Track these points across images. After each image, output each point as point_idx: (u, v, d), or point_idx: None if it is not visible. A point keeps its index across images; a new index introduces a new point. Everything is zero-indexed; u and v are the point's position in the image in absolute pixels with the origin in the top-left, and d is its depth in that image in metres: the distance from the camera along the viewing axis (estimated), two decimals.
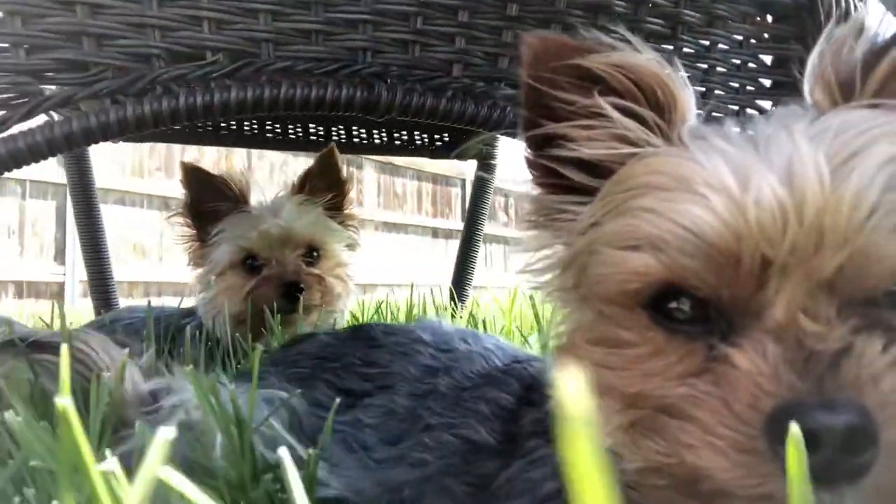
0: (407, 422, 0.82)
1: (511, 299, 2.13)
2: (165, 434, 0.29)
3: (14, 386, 0.81)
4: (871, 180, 0.50)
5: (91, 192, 2.26)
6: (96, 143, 1.03)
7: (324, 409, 0.85)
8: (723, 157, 0.54)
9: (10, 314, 2.23)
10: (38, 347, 0.95)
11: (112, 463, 0.42)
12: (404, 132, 2.46)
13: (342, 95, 1.10)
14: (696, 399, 0.50)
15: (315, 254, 1.80)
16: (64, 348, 0.48)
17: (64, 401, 0.37)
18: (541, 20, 1.20)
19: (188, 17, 1.04)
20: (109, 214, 5.60)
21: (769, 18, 1.39)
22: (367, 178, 8.04)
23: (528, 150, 0.66)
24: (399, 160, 8.00)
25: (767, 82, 1.40)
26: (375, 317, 2.10)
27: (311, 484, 0.73)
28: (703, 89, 1.34)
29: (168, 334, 1.61)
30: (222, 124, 2.29)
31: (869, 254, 0.50)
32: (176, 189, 1.86)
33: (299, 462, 0.76)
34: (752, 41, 1.37)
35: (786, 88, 1.37)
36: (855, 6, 1.30)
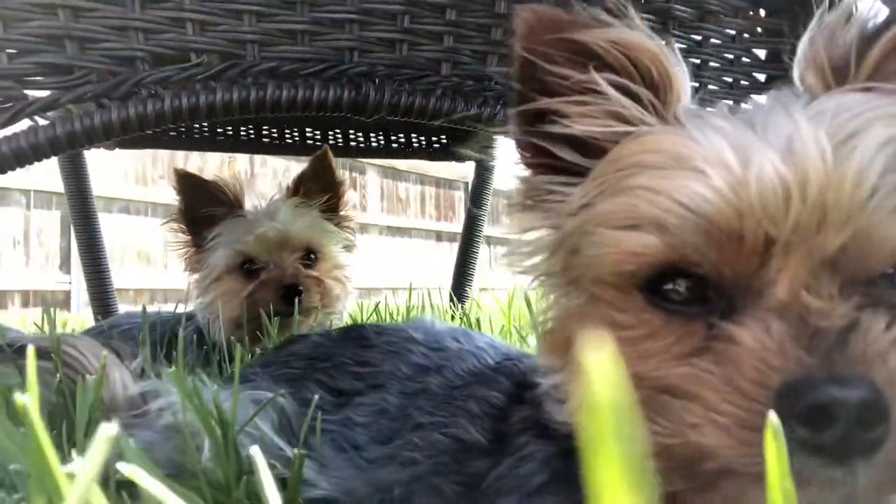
0: (398, 421, 0.82)
1: (509, 299, 2.12)
2: (108, 431, 0.28)
3: None
4: (872, 161, 0.50)
5: (89, 199, 2.26)
6: (82, 147, 1.03)
7: (314, 409, 0.84)
8: (722, 134, 0.53)
9: (14, 323, 2.24)
10: (25, 352, 0.95)
11: (78, 464, 0.41)
12: (401, 135, 2.45)
13: (329, 96, 1.09)
14: (697, 378, 0.50)
15: (312, 256, 1.80)
16: (30, 349, 0.47)
17: (25, 399, 0.36)
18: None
19: (172, 20, 1.04)
20: (114, 223, 5.67)
21: (762, 13, 1.38)
22: (370, 183, 8.05)
23: (517, 128, 0.65)
24: (401, 164, 8.01)
25: (761, 77, 1.39)
26: (374, 318, 2.10)
27: (296, 484, 0.73)
28: (696, 85, 1.33)
29: (165, 339, 1.60)
30: (218, 130, 2.29)
31: (871, 233, 0.49)
32: None
33: (287, 462, 0.76)
34: (745, 36, 1.36)
35: (780, 82, 1.36)
36: None
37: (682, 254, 0.52)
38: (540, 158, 0.64)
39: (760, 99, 0.66)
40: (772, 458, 0.30)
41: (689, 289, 0.53)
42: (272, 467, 0.74)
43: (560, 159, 0.63)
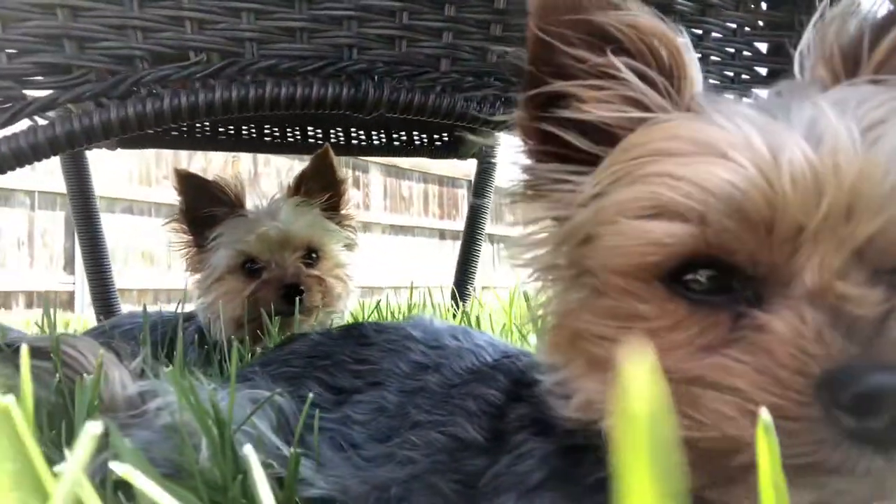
0: (396, 419, 0.81)
1: (511, 297, 2.11)
2: (93, 430, 0.28)
3: None
4: None
5: (91, 200, 2.26)
6: (81, 146, 1.03)
7: (312, 407, 0.84)
8: (747, 120, 0.52)
9: (18, 324, 2.24)
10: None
11: (67, 465, 0.41)
12: (403, 133, 2.45)
13: (328, 93, 1.09)
14: (729, 368, 0.49)
15: (314, 255, 1.80)
16: (24, 348, 0.47)
17: (7, 400, 0.36)
18: (521, 11, 1.18)
19: (170, 18, 1.03)
20: (118, 223, 5.68)
21: (763, 6, 1.37)
22: (373, 182, 8.05)
23: (526, 113, 0.63)
24: (405, 162, 8.01)
25: (763, 71, 1.38)
26: (375, 317, 2.10)
27: (293, 483, 0.72)
28: None
29: (166, 339, 1.60)
30: (220, 129, 2.29)
31: None
32: None
33: (285, 461, 0.76)
34: (747, 29, 1.35)
35: (782, 76, 1.35)
36: None
37: (710, 242, 0.50)
38: (546, 146, 0.62)
39: (763, 92, 0.65)
40: (763, 453, 0.29)
41: (713, 278, 0.52)
42: (269, 466, 0.74)
43: (568, 147, 0.61)
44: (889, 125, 0.50)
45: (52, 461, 0.42)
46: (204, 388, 0.78)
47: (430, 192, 8.82)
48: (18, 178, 5.12)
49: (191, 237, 1.81)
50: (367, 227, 7.39)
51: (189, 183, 1.77)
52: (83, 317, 4.04)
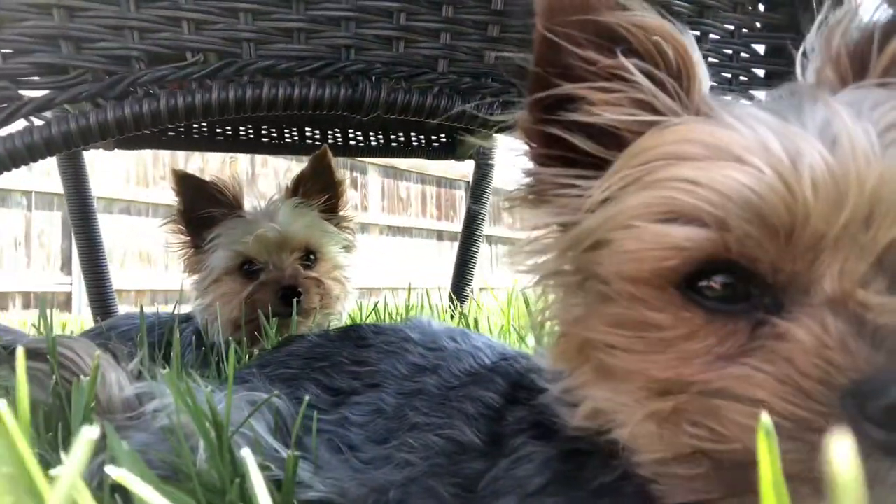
0: (394, 421, 0.81)
1: (508, 298, 2.11)
2: (89, 434, 0.27)
3: None
4: None
5: (88, 200, 2.25)
6: (78, 147, 1.03)
7: (311, 408, 0.83)
8: (761, 123, 0.51)
9: (15, 325, 2.23)
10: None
11: (63, 469, 0.41)
12: (401, 134, 2.45)
13: (326, 94, 1.08)
14: (750, 378, 0.47)
15: (312, 257, 1.79)
16: (20, 350, 0.46)
17: (0, 404, 0.35)
18: (527, 14, 1.18)
19: (167, 19, 1.03)
20: (115, 224, 5.67)
21: (761, 7, 1.37)
22: (370, 183, 8.05)
23: (531, 115, 0.61)
24: (402, 163, 8.01)
25: (761, 72, 1.38)
26: (373, 318, 2.09)
27: (290, 486, 0.72)
28: None
29: (163, 340, 1.60)
30: (218, 130, 2.29)
31: None
32: None
33: (282, 464, 0.75)
34: (745, 31, 1.35)
35: (779, 78, 1.36)
36: None
37: (729, 248, 0.49)
38: (551, 149, 0.60)
39: (761, 94, 0.65)
40: (764, 458, 0.29)
41: (730, 285, 0.51)
42: (267, 469, 0.74)
43: (573, 150, 0.59)
44: None
45: (48, 464, 0.42)
46: (201, 390, 0.77)
47: (428, 193, 8.82)
48: (15, 178, 5.12)
49: (188, 238, 1.81)
50: (364, 228, 7.39)
51: (187, 184, 1.77)
52: (80, 317, 4.04)
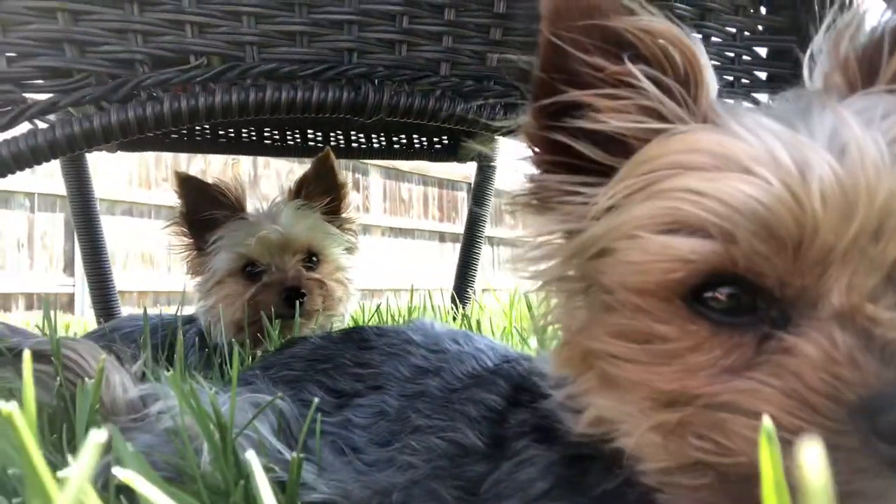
0: (397, 423, 0.81)
1: (511, 300, 2.12)
2: (98, 438, 0.28)
3: None
4: None
5: (91, 202, 2.26)
6: (81, 150, 1.03)
7: (314, 410, 0.84)
8: (769, 133, 0.50)
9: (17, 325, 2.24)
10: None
11: (71, 469, 0.41)
12: (403, 136, 2.45)
13: (328, 97, 1.09)
14: (757, 392, 0.47)
15: (314, 259, 1.80)
16: (26, 353, 0.47)
17: (10, 406, 0.36)
18: (530, 17, 1.18)
19: (171, 22, 1.04)
20: (117, 225, 5.68)
21: (763, 10, 1.37)
22: (372, 184, 8.05)
23: (535, 122, 0.60)
24: (404, 165, 8.01)
25: (763, 75, 1.38)
26: (375, 320, 2.10)
27: (294, 488, 0.72)
28: None
29: (166, 342, 1.60)
30: (220, 132, 2.29)
31: None
32: None
33: (286, 466, 0.76)
34: (747, 33, 1.36)
35: (782, 80, 1.36)
36: None
37: (736, 261, 0.48)
38: (555, 156, 0.60)
39: (765, 97, 0.64)
40: (766, 464, 0.29)
41: (736, 297, 0.50)
42: (270, 471, 0.74)
43: (579, 157, 0.58)
44: None
45: (53, 465, 0.42)
46: (205, 391, 0.78)
47: (430, 194, 8.83)
48: (18, 180, 5.12)
49: (191, 240, 1.81)
50: (366, 229, 7.39)
51: (189, 186, 1.78)
52: (83, 319, 4.04)
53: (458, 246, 2.66)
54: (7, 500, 0.69)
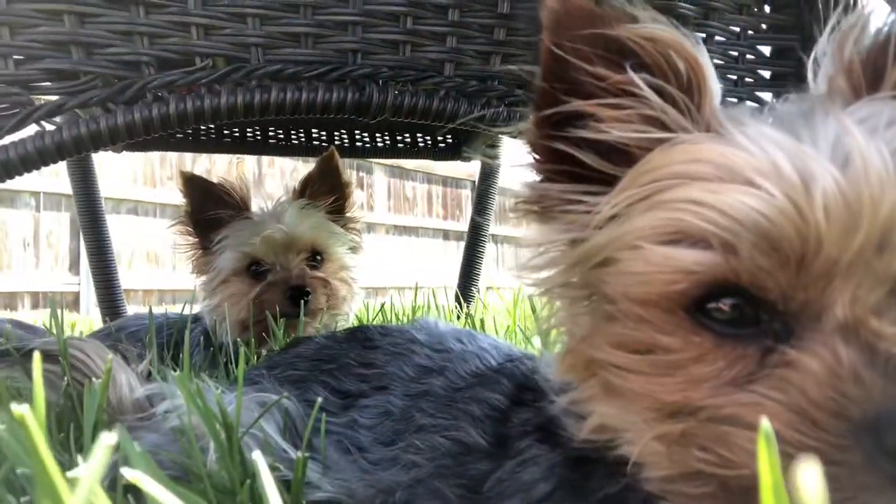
0: (401, 422, 0.82)
1: (514, 298, 2.12)
2: (108, 440, 0.28)
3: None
4: None
5: (97, 201, 2.27)
6: (88, 151, 1.04)
7: (320, 411, 0.84)
8: (772, 143, 0.49)
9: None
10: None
11: (81, 470, 0.42)
12: (407, 135, 2.46)
13: (333, 98, 1.09)
14: (760, 406, 0.47)
15: (318, 258, 1.80)
16: (36, 355, 0.48)
17: (22, 408, 0.36)
18: (533, 17, 1.18)
19: (176, 24, 1.04)
20: (123, 224, 5.70)
21: (767, 9, 1.37)
22: (376, 182, 8.06)
23: (537, 131, 0.59)
24: (408, 163, 8.01)
25: (766, 74, 1.39)
26: (380, 319, 2.10)
27: (299, 487, 0.73)
28: None
29: (172, 341, 1.61)
30: (225, 132, 2.30)
31: None
32: None
33: (291, 465, 0.76)
34: (750, 32, 1.36)
35: (785, 79, 1.36)
36: None
37: (738, 273, 0.48)
38: (557, 164, 0.59)
39: (784, 99, 0.62)
40: (764, 467, 0.29)
41: (739, 309, 0.50)
42: (276, 469, 0.74)
43: (581, 165, 0.58)
44: None
45: (60, 464, 0.42)
46: (211, 391, 0.78)
47: (434, 192, 8.83)
48: (24, 179, 5.09)
49: (196, 239, 1.82)
50: (371, 227, 7.40)
51: (194, 185, 1.78)
52: (88, 318, 4.06)
53: (462, 244, 2.66)
54: (16, 499, 0.69)
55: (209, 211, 1.76)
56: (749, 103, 1.38)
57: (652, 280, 0.51)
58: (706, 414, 0.49)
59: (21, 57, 1.02)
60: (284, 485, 0.73)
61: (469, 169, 8.56)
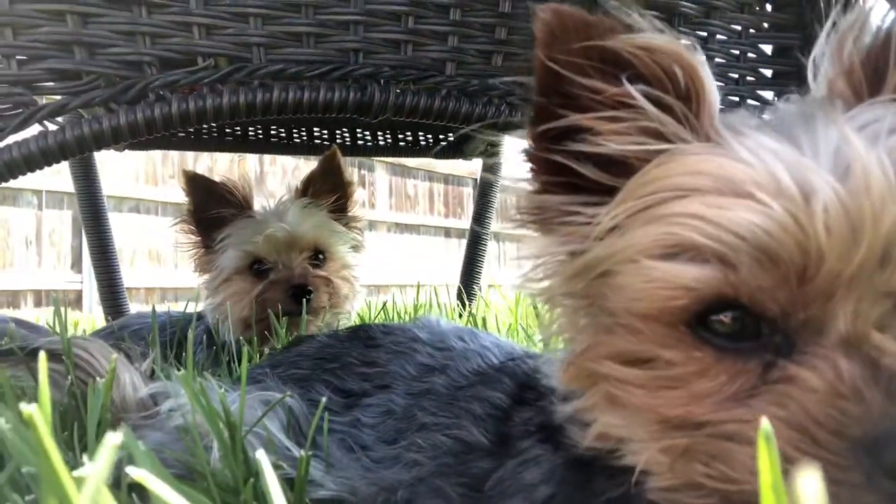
0: (403, 421, 0.82)
1: (517, 297, 2.12)
2: (114, 440, 0.29)
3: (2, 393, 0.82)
4: None
5: (99, 200, 2.28)
6: (90, 151, 1.04)
7: (323, 410, 0.85)
8: (771, 154, 0.48)
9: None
10: (37, 355, 0.96)
11: (87, 469, 0.42)
12: (409, 133, 2.46)
13: (335, 97, 1.10)
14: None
15: (321, 256, 1.81)
16: (42, 355, 0.48)
17: (31, 408, 0.37)
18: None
19: (178, 24, 1.05)
20: (125, 222, 5.71)
21: (768, 7, 1.37)
22: (378, 180, 8.06)
23: (535, 144, 0.59)
24: (410, 161, 8.01)
25: (768, 72, 1.39)
26: (381, 317, 2.11)
27: (303, 485, 0.73)
28: None
29: (175, 339, 1.62)
30: (227, 130, 2.30)
31: None
32: None
33: (295, 463, 0.77)
34: (752, 31, 1.36)
35: (787, 78, 1.36)
36: None
37: (738, 288, 0.48)
38: (555, 176, 0.59)
39: (784, 101, 0.62)
40: (764, 462, 0.29)
41: (740, 321, 0.49)
42: (279, 468, 0.75)
43: (580, 177, 0.57)
44: None
45: (65, 463, 0.43)
46: (214, 389, 0.79)
47: (436, 190, 8.83)
48: (26, 177, 5.13)
49: (198, 238, 1.83)
50: (372, 225, 7.40)
51: (197, 184, 1.79)
52: (91, 316, 4.07)
53: (464, 241, 2.66)
54: (21, 498, 0.70)
55: (211, 209, 1.77)
56: (750, 102, 1.39)
57: (652, 296, 0.50)
58: (709, 430, 0.49)
59: (24, 57, 1.03)
60: (288, 483, 0.74)
61: (471, 167, 8.56)
